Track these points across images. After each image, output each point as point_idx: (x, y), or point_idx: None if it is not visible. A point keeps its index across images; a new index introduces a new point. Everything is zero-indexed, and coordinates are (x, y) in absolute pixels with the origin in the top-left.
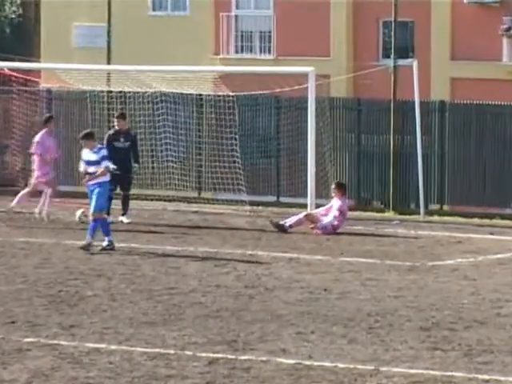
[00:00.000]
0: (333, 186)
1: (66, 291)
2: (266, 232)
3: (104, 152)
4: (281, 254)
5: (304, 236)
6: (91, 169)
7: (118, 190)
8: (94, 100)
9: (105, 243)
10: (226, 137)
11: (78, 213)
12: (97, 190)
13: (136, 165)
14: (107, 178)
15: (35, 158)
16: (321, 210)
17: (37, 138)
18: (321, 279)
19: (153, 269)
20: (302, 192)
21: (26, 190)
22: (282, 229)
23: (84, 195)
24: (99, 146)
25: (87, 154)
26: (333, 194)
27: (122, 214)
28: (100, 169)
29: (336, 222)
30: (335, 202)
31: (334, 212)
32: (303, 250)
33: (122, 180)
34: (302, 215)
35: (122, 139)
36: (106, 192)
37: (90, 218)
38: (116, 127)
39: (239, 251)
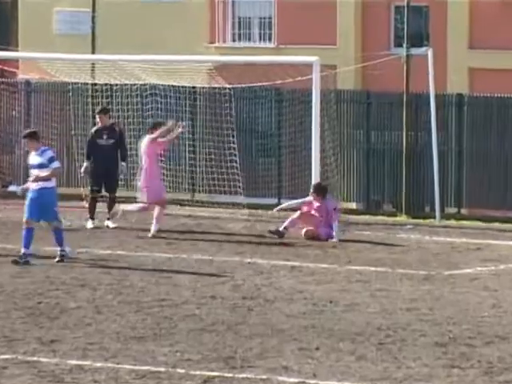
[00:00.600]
0: (311, 190)
1: (46, 303)
2: (265, 238)
3: (50, 153)
4: (282, 261)
5: (308, 242)
6: (35, 172)
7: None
8: (78, 93)
9: (58, 254)
10: (222, 133)
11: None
12: (35, 196)
13: (123, 163)
14: (52, 183)
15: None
16: (299, 202)
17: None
18: (326, 290)
19: (142, 278)
20: (306, 194)
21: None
22: (278, 234)
23: (65, 197)
24: (43, 147)
25: (31, 157)
26: (311, 197)
27: (108, 219)
28: (43, 172)
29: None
30: (321, 203)
31: (332, 215)
32: (307, 258)
33: (107, 181)
34: (295, 215)
35: (104, 136)
36: (47, 199)
37: (24, 225)
38: (99, 123)
39: (236, 259)
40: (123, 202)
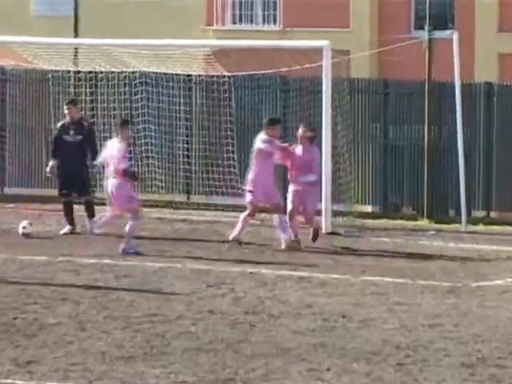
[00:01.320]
0: (300, 132)
1: (23, 319)
2: (270, 245)
3: None
4: (288, 271)
5: (317, 250)
6: None
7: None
8: (58, 82)
9: None
10: (220, 127)
11: (24, 223)
12: None
13: (96, 163)
14: None
15: None
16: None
17: None
18: (338, 303)
19: (130, 291)
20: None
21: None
22: (296, 247)
23: (45, 200)
24: None
25: None
26: (299, 143)
27: (92, 220)
28: None
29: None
30: (305, 152)
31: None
32: (316, 267)
33: (75, 182)
34: (288, 219)
35: (71, 132)
36: None
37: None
38: (66, 117)
39: (237, 269)
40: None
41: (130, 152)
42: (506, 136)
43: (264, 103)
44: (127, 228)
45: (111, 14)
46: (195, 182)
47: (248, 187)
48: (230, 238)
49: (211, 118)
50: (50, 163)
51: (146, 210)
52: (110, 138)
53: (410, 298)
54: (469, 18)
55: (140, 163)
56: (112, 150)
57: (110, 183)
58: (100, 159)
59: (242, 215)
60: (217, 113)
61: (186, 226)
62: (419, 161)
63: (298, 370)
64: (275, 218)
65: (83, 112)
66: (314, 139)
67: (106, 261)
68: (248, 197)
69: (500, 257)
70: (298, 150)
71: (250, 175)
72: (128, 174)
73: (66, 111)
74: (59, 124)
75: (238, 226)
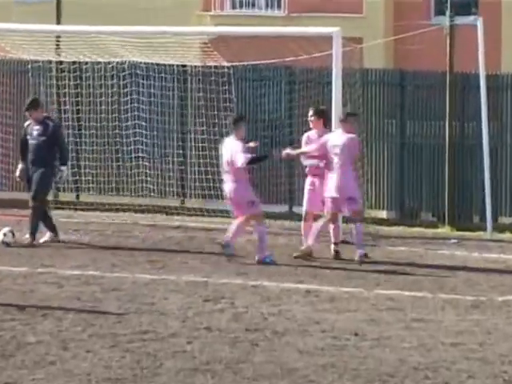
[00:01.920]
0: (310, 113)
1: (0, 336)
2: (274, 254)
3: None
4: (294, 284)
5: (327, 260)
6: None
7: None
8: (39, 73)
9: None
10: (219, 124)
11: (5, 230)
12: None
13: (63, 168)
14: None
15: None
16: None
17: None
18: (349, 320)
19: (119, 305)
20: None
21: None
22: (338, 256)
23: (23, 205)
24: None
25: None
26: (311, 125)
27: (32, 233)
28: None
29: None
30: (322, 133)
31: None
32: (325, 279)
33: (32, 185)
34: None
35: (35, 132)
36: None
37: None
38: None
39: (238, 281)
40: (94, 210)
41: (117, 151)
42: None
43: (268, 97)
44: (257, 236)
45: None
46: (191, 184)
47: (329, 193)
48: (302, 248)
49: (209, 114)
50: (19, 166)
51: (136, 215)
52: (97, 134)
53: (430, 313)
54: (494, 3)
55: (129, 164)
56: (231, 151)
57: (229, 188)
58: (223, 166)
59: (319, 223)
60: (215, 108)
61: (180, 234)
62: (440, 161)
63: None
64: (356, 226)
65: (67, 107)
66: (325, 121)
67: (91, 272)
68: (328, 203)
69: None
70: (312, 134)
71: (335, 180)
72: (255, 160)
73: (27, 115)
74: (26, 124)
75: (313, 233)
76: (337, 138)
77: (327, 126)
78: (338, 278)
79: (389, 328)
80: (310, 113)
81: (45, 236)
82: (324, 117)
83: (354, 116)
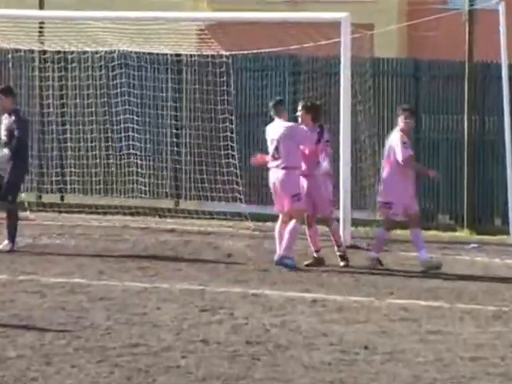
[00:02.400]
0: (299, 108)
1: None
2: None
3: None
4: (299, 293)
5: (335, 267)
6: None
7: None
8: (20, 63)
9: None
10: (216, 119)
11: None
12: None
13: (5, 150)
14: None
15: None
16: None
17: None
18: (359, 332)
19: (107, 316)
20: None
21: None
22: (377, 264)
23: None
24: None
25: None
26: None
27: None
28: None
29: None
30: (311, 130)
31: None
32: (333, 288)
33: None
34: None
35: (1, 126)
36: None
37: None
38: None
39: (237, 289)
40: (80, 213)
41: (106, 149)
42: None
43: (270, 88)
44: (288, 232)
45: None
46: (186, 184)
47: (385, 198)
48: (373, 256)
49: (206, 108)
50: None
51: (126, 218)
52: (83, 130)
53: (447, 325)
54: None
55: (119, 162)
56: (284, 136)
57: (277, 177)
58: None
59: (379, 232)
60: (212, 101)
61: (174, 238)
62: (458, 158)
63: None
64: (414, 232)
65: (51, 101)
66: (314, 116)
67: (77, 280)
68: (385, 210)
69: None
70: None
71: (388, 184)
72: None
73: None
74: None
75: (376, 243)
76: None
77: (316, 121)
78: (347, 286)
79: (402, 341)
80: (299, 107)
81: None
82: (312, 112)
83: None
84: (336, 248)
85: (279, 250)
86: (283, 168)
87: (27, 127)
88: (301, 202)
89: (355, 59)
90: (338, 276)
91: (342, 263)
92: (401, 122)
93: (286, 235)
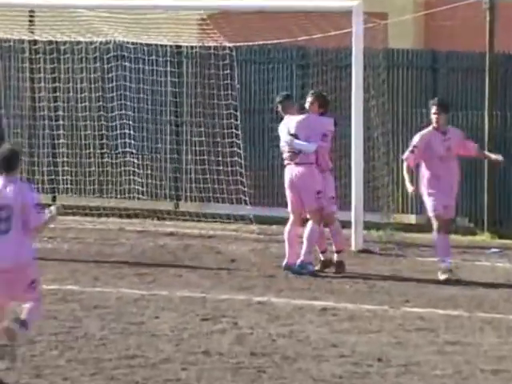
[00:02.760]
0: (309, 99)
1: None
2: (280, 266)
3: None
4: (308, 301)
5: (346, 273)
6: None
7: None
8: (9, 54)
9: None
10: (219, 115)
11: None
12: None
13: None
14: None
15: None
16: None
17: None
18: (372, 342)
19: (102, 325)
20: (342, 202)
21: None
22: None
23: None
24: None
25: None
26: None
27: None
28: None
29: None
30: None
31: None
32: (344, 295)
33: None
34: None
35: None
36: None
37: None
38: None
39: (241, 297)
40: (73, 215)
41: (101, 146)
42: None
43: (276, 82)
44: (306, 234)
45: None
46: (186, 185)
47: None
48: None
49: (208, 103)
50: None
51: (122, 220)
52: (77, 126)
53: (467, 335)
54: None
55: (114, 161)
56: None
57: (295, 174)
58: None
59: (439, 240)
60: (215, 95)
61: (174, 242)
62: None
63: None
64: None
65: (42, 94)
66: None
67: (69, 287)
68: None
69: None
70: None
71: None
72: None
73: None
74: None
75: (440, 249)
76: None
77: (325, 111)
78: (359, 293)
79: (418, 352)
80: (308, 98)
81: None
82: (320, 100)
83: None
84: (322, 253)
85: (287, 258)
86: (303, 164)
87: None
88: (322, 201)
89: (368, 51)
90: (349, 282)
91: (334, 269)
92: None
93: (305, 240)
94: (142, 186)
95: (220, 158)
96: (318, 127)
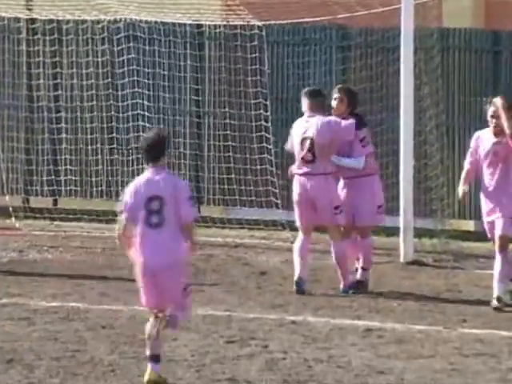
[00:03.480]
0: (336, 95)
1: None
2: (322, 280)
3: None
4: (349, 320)
5: (393, 288)
6: None
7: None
8: (4, 35)
9: None
10: (247, 104)
11: None
12: None
13: None
14: None
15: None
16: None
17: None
18: (424, 369)
19: (111, 349)
20: (389, 206)
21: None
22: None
23: None
24: None
25: None
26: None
27: None
28: None
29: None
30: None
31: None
32: (391, 314)
33: None
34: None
35: None
36: None
37: None
38: None
39: (272, 316)
40: (77, 221)
41: (110, 141)
42: None
43: (313, 67)
44: (334, 257)
45: None
46: (208, 186)
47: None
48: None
49: (233, 91)
50: None
51: None
52: (82, 119)
53: None
54: None
55: (126, 158)
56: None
57: (309, 186)
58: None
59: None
60: (242, 82)
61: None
62: None
63: None
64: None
65: (42, 81)
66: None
67: (73, 304)
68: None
69: None
70: None
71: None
72: None
73: None
74: None
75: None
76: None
77: (354, 109)
78: (409, 312)
79: (477, 380)
80: (336, 95)
81: None
82: (349, 97)
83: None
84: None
85: (300, 272)
86: (320, 174)
87: None
88: (342, 216)
89: (419, 30)
90: (397, 300)
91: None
92: None
93: (339, 264)
94: None
95: (247, 155)
96: (338, 134)
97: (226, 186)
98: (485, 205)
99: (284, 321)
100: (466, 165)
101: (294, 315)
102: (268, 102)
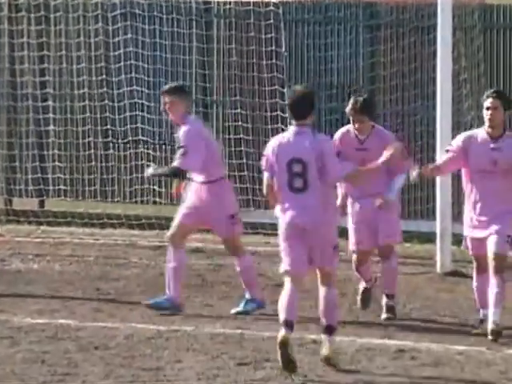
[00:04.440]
0: (349, 107)
1: None
2: (347, 294)
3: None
4: (378, 340)
5: (425, 303)
6: None
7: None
8: None
9: None
10: (261, 91)
11: None
12: None
13: None
14: None
15: None
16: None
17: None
18: None
19: (106, 372)
20: (424, 209)
21: None
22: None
23: None
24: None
25: None
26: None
27: None
28: None
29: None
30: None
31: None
32: (427, 334)
33: None
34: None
35: None
36: None
37: None
38: None
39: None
40: (66, 226)
41: (105, 134)
42: None
43: (337, 49)
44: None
45: None
46: None
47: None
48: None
49: (245, 76)
50: None
51: (132, 232)
52: (72, 109)
53: None
54: None
55: (122, 153)
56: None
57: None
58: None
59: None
60: (256, 66)
61: (201, 261)
62: None
63: None
64: None
65: (26, 66)
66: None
67: (62, 321)
68: None
69: None
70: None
71: None
72: None
73: None
74: None
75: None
76: None
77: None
78: (447, 330)
79: None
80: (350, 103)
81: None
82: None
83: None
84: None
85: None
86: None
87: None
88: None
89: (458, 8)
90: (432, 316)
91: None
92: None
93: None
94: (159, 187)
95: (262, 150)
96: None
97: (237, 185)
98: (474, 219)
99: (304, 340)
100: (444, 158)
101: (315, 334)
102: (285, 90)
